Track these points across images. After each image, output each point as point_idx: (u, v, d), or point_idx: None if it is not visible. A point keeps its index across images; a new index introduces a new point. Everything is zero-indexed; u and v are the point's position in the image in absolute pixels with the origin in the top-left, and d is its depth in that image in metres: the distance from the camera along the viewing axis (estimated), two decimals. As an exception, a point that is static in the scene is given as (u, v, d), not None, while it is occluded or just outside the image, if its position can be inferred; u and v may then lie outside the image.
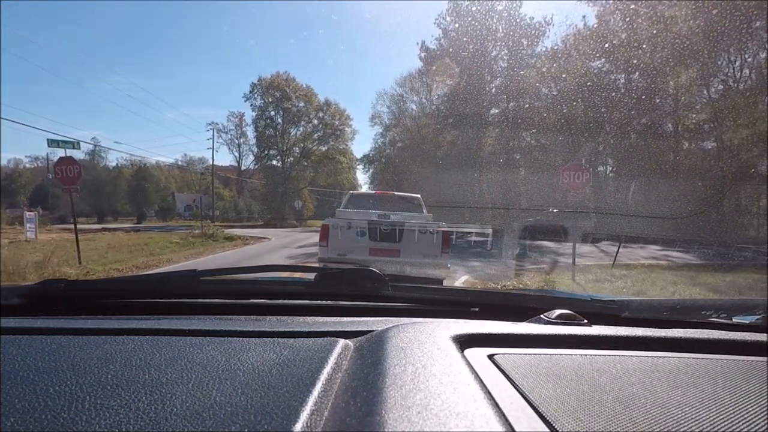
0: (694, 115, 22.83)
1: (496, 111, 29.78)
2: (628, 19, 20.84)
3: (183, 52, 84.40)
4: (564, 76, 23.27)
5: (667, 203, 16.25)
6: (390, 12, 48.83)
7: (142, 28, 77.91)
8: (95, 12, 72.24)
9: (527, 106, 25.40)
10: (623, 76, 24.00)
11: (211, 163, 48.63)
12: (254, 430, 0.49)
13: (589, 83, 21.06)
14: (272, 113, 43.52)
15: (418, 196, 7.97)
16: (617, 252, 11.04)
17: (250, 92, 43.51)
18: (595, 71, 23.12)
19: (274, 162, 44.79)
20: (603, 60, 23.02)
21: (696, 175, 19.81)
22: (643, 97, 21.59)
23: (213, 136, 47.82)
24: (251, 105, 43.76)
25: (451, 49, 29.13)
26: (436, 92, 34.70)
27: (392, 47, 70.25)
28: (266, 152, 44.29)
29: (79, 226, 31.01)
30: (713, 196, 18.31)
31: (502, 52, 28.71)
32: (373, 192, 10.14)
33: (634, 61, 21.65)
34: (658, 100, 22.87)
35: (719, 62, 21.58)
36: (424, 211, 7.33)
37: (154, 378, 0.62)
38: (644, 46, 20.44)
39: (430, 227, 6.34)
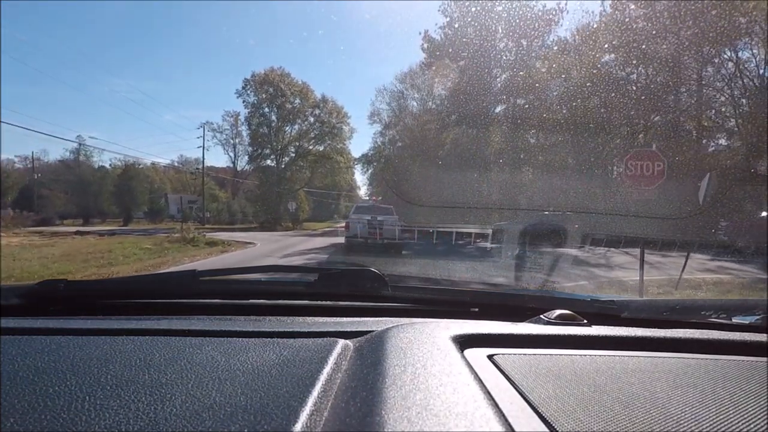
0: (712, 112, 21.24)
1: (504, 107, 27.34)
2: (638, 11, 19.52)
3: (182, 54, 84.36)
4: (563, 76, 21.96)
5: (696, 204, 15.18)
6: (390, 12, 48.29)
7: (141, 30, 77.83)
8: (94, 13, 72.05)
9: (537, 102, 23.51)
10: (640, 69, 22.04)
11: (207, 164, 47.87)
12: (254, 430, 0.49)
13: (591, 81, 19.78)
14: (266, 110, 40.59)
15: (391, 206, 15.54)
16: (684, 266, 8.18)
17: (243, 88, 40.40)
18: (604, 65, 21.36)
19: (269, 162, 42.00)
20: (615, 54, 21.15)
21: (727, 174, 18.04)
22: (653, 94, 20.22)
23: (203, 134, 45.67)
24: (244, 102, 40.83)
25: (455, 40, 26.46)
26: (438, 87, 32.43)
27: (392, 46, 69.90)
28: (260, 151, 41.45)
29: (57, 229, 28.85)
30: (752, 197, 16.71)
31: (510, 44, 25.89)
32: (368, 204, 18.12)
33: (633, 62, 20.55)
34: (682, 96, 21.47)
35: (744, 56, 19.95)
36: (394, 214, 14.00)
37: (153, 378, 0.63)
38: (646, 44, 19.29)
39: (396, 223, 13.19)
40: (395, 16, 44.87)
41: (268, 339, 0.81)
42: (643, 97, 20.01)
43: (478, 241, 16.19)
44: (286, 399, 0.56)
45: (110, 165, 48.89)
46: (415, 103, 37.69)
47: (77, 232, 24.80)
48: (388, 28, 52.26)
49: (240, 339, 0.81)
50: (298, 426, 0.50)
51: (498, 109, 27.63)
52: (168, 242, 16.18)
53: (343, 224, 16.02)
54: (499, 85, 27.10)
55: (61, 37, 69.02)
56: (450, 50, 26.91)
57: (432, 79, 32.41)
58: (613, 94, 19.73)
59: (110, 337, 0.81)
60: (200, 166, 50.04)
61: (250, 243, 17.47)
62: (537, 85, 23.11)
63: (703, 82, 20.87)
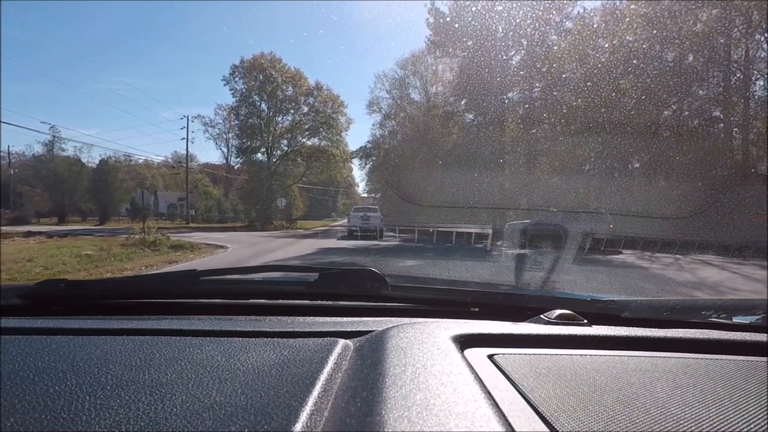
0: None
1: (520, 91, 23.78)
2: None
3: (181, 52, 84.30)
4: (586, 56, 19.27)
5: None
6: (390, 12, 47.42)
7: (140, 28, 77.95)
8: (91, 12, 71.80)
9: (557, 85, 20.98)
10: (665, 51, 18.94)
11: (204, 160, 45.96)
12: (254, 430, 0.49)
13: (615, 62, 17.77)
14: (256, 99, 36.58)
15: (377, 206, 25.19)
16: None
17: (231, 74, 36.23)
18: (628, 45, 18.74)
19: (259, 155, 38.22)
20: (643, 31, 18.33)
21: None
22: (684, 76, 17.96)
23: (187, 125, 40.89)
24: (231, 89, 36.82)
25: (465, 14, 22.43)
26: (445, 69, 29.19)
27: (392, 46, 68.85)
28: (249, 144, 37.46)
29: (13, 229, 24.54)
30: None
31: (528, 19, 21.26)
32: (362, 206, 25.78)
33: (660, 41, 17.70)
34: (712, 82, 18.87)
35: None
36: (378, 212, 20.89)
37: (154, 378, 0.63)
38: (673, 19, 17.26)
39: (378, 217, 20.09)
40: (395, 16, 43.95)
41: (269, 339, 0.81)
42: (672, 81, 17.86)
43: (499, 243, 14.06)
44: (287, 399, 0.56)
45: (105, 158, 44.42)
46: (417, 90, 33.87)
47: (28, 233, 20.96)
48: (388, 27, 51.58)
49: (240, 339, 0.82)
50: (299, 426, 0.50)
51: (512, 95, 24.30)
52: (121, 246, 13.61)
53: (340, 223, 25.58)
54: (513, 65, 23.60)
55: (57, 36, 68.88)
56: (458, 26, 23.19)
57: (438, 60, 29.05)
58: (642, 77, 17.85)
59: (110, 336, 0.81)
60: (198, 162, 48.31)
61: (221, 247, 15.04)
62: (556, 66, 20.50)
63: (751, 63, 18.45)
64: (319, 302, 1.21)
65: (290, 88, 36.76)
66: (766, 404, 0.59)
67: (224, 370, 0.66)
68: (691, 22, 17.71)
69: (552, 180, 21.66)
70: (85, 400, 0.56)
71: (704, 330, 0.96)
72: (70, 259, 10.88)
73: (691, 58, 18.82)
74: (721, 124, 19.17)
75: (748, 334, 0.92)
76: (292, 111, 37.48)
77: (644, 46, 18.48)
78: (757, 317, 1.06)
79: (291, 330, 0.88)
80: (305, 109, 37.44)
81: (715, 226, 13.20)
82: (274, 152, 37.82)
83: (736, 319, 1.07)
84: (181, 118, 52.94)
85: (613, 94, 18.07)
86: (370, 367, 0.66)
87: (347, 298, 1.21)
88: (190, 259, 11.78)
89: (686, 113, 19.47)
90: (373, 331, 0.86)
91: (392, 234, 20.66)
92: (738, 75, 18.72)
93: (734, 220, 14.27)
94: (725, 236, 12.33)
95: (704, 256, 11.64)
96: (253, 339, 0.81)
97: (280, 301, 1.22)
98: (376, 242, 16.27)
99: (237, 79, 36.37)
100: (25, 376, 0.63)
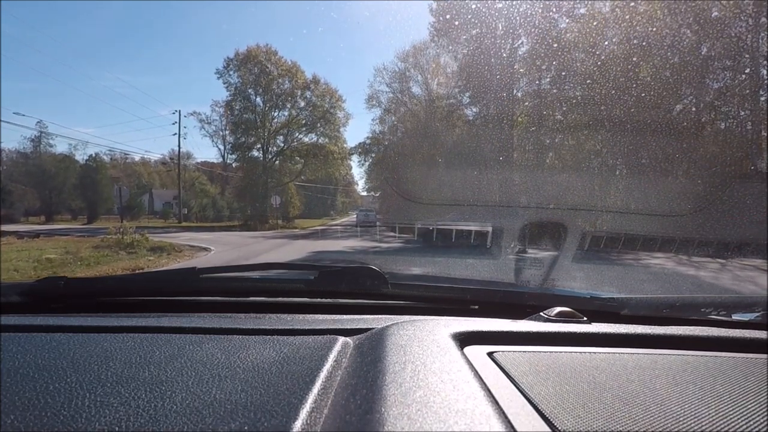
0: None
1: (528, 81, 22.30)
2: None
3: (180, 50, 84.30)
4: (601, 41, 17.79)
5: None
6: (388, 10, 46.94)
7: (139, 25, 77.58)
8: (89, 9, 71.39)
9: (567, 75, 19.32)
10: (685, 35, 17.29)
11: (202, 158, 44.98)
12: (254, 427, 0.49)
13: (630, 49, 16.46)
14: (250, 92, 34.95)
15: (374, 207, 42.62)
16: None
17: (225, 67, 34.26)
18: (640, 34, 16.83)
19: (255, 152, 36.50)
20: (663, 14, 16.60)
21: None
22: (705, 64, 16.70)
23: (179, 120, 38.31)
24: (225, 83, 34.78)
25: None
26: (448, 61, 27.60)
27: (392, 45, 68.95)
28: (244, 140, 35.70)
29: (3, 227, 22.93)
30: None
31: (536, 6, 19.27)
32: (363, 206, 46.38)
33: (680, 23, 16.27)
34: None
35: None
36: (374, 210, 35.92)
37: (153, 375, 0.63)
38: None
39: (374, 213, 33.53)
40: (394, 14, 43.55)
41: (269, 336, 0.81)
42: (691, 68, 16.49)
43: (499, 241, 12.54)
44: (287, 396, 0.56)
45: (95, 155, 42.51)
46: (419, 84, 32.31)
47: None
48: (387, 26, 51.18)
49: (240, 336, 0.82)
50: (299, 423, 0.50)
51: (520, 85, 22.92)
52: (94, 248, 12.32)
53: (339, 222, 37.37)
54: (521, 54, 22.15)
55: (53, 33, 68.52)
56: (463, 12, 21.71)
57: (441, 50, 27.55)
58: (658, 66, 16.60)
59: (110, 334, 0.81)
60: (195, 160, 47.54)
61: (205, 249, 13.69)
62: (565, 54, 18.95)
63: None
64: (319, 300, 1.21)
65: (286, 82, 34.98)
66: (765, 401, 0.59)
67: (224, 367, 0.66)
68: (710, 5, 16.31)
69: (555, 177, 20.39)
70: (85, 397, 0.56)
71: (703, 327, 0.96)
72: (26, 264, 9.65)
73: (705, 50, 17.46)
74: (748, 112, 17.59)
75: (747, 331, 0.92)
76: (288, 105, 35.65)
77: (661, 32, 16.96)
78: (757, 314, 1.06)
79: (291, 327, 0.88)
80: (302, 103, 35.67)
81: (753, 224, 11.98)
82: (269, 148, 36.35)
83: (735, 317, 1.07)
84: (173, 113, 51.49)
85: (627, 83, 16.80)
86: (369, 364, 0.66)
87: (347, 296, 1.21)
88: (162, 265, 10.20)
89: (710, 104, 18.08)
90: (372, 328, 0.86)
91: (392, 235, 20.02)
92: (764, 63, 16.94)
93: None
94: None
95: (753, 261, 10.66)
96: (253, 336, 0.81)
97: (280, 299, 1.22)
98: (376, 244, 15.93)
99: (231, 72, 34.68)
100: (25, 374, 0.63)
